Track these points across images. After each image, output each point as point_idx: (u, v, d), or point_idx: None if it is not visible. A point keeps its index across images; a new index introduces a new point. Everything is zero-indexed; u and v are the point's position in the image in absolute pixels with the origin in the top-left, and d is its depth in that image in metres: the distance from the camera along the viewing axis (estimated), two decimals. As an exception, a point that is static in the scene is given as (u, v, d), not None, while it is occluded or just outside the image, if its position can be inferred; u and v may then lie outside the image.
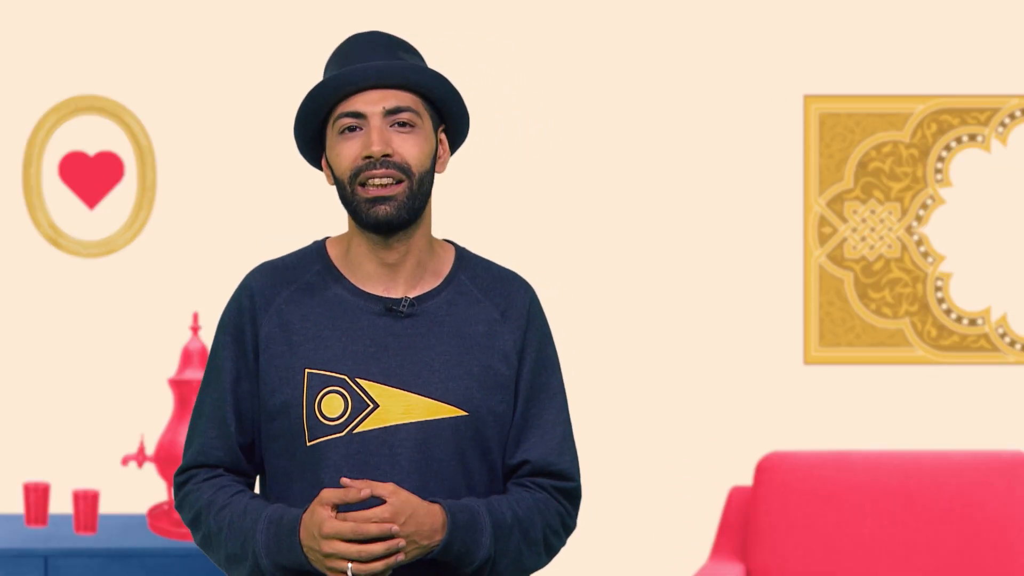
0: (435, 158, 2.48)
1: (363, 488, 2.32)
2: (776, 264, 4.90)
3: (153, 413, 4.78)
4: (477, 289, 2.54)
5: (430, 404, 2.47)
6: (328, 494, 2.31)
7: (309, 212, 4.84)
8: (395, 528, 2.31)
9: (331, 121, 2.46)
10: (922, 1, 4.92)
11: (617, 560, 4.90)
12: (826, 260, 4.93)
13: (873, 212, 4.93)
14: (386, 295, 2.49)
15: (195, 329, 4.43)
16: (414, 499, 2.35)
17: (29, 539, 4.35)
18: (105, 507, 4.75)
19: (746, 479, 4.77)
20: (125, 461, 4.40)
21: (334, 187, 2.54)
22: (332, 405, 2.48)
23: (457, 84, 2.63)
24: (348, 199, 2.46)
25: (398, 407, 2.46)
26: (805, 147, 4.91)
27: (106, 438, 4.84)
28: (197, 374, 4.41)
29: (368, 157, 2.42)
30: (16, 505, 4.82)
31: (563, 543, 2.55)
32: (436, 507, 2.37)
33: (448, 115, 2.49)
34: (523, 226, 4.88)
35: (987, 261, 4.91)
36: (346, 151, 2.45)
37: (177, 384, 4.38)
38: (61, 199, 4.95)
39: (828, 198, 4.93)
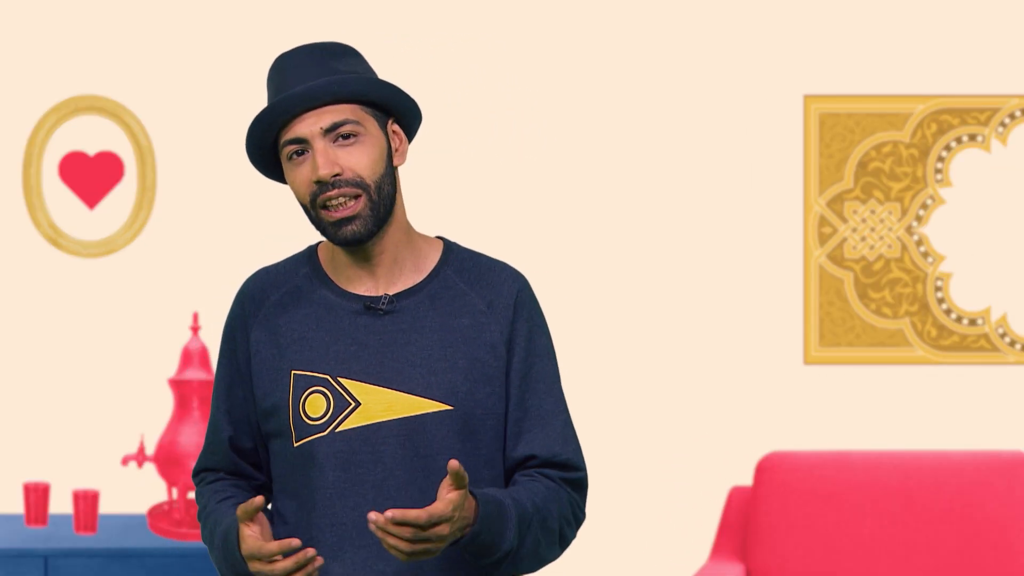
0: (390, 155, 2.48)
1: (453, 469, 2.36)
2: (776, 264, 4.95)
3: (153, 413, 4.80)
4: (463, 282, 2.53)
5: (412, 400, 2.47)
6: (239, 511, 2.40)
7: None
8: (295, 543, 2.40)
9: (279, 148, 2.50)
10: (922, 1, 4.93)
11: (617, 560, 4.90)
12: (826, 260, 4.96)
13: (873, 212, 4.96)
14: (367, 294, 2.50)
15: (195, 329, 4.44)
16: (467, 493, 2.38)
17: (29, 539, 4.38)
18: (105, 507, 4.77)
19: (746, 479, 4.78)
20: (125, 461, 4.42)
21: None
22: (315, 405, 2.50)
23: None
24: (315, 223, 2.49)
25: (380, 404, 2.46)
26: (805, 147, 4.94)
27: (106, 438, 4.87)
28: (197, 374, 4.45)
29: (319, 182, 2.44)
30: (16, 505, 4.84)
31: (575, 534, 2.56)
32: (471, 498, 2.39)
33: (391, 108, 2.49)
34: (521, 228, 4.89)
35: (987, 261, 4.96)
36: (299, 177, 2.47)
37: (177, 384, 4.41)
38: (61, 199, 4.97)
39: (828, 198, 4.96)
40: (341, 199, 2.44)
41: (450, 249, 2.56)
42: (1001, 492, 4.61)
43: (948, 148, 4.99)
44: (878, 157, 5.01)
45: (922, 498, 4.59)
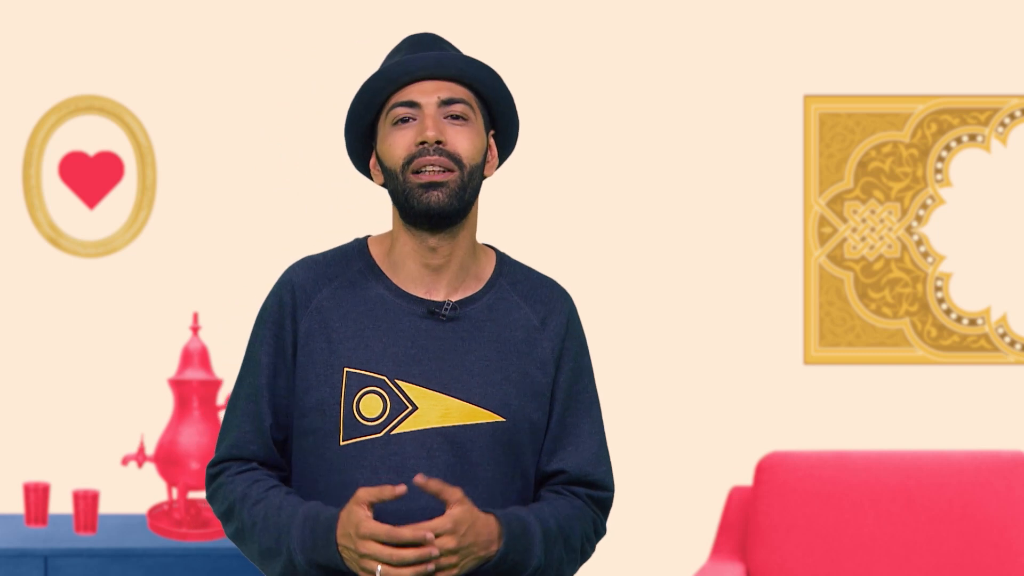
0: (485, 156, 2.49)
1: (420, 484, 2.33)
2: (776, 264, 4.96)
3: (153, 413, 4.80)
4: (517, 295, 2.54)
5: (469, 409, 2.46)
6: (363, 493, 2.32)
7: (309, 213, 4.86)
8: (429, 536, 2.31)
9: (384, 113, 2.46)
10: (922, 1, 4.91)
11: (617, 560, 4.90)
12: (826, 260, 4.95)
13: (873, 212, 4.96)
14: (428, 297, 2.48)
15: (195, 329, 4.46)
16: (474, 510, 2.36)
17: (29, 539, 4.39)
18: (105, 507, 4.78)
19: (746, 479, 4.79)
20: (125, 461, 4.43)
21: (378, 187, 2.55)
22: (371, 405, 2.46)
23: None
24: (400, 188, 2.46)
25: (436, 410, 2.45)
26: (805, 147, 4.94)
27: (106, 438, 4.88)
28: (197, 374, 4.45)
29: (422, 143, 2.43)
30: (16, 505, 4.85)
31: (594, 550, 2.57)
32: (491, 518, 2.39)
33: (498, 115, 2.50)
34: (516, 226, 4.89)
35: (987, 261, 4.97)
36: (400, 140, 2.46)
37: (177, 384, 4.43)
38: (61, 199, 4.97)
39: (828, 198, 4.95)
40: (437, 167, 2.44)
41: (502, 260, 2.57)
42: (1001, 492, 4.61)
43: (948, 148, 4.98)
44: (878, 157, 4.99)
45: (922, 498, 4.59)
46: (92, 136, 4.98)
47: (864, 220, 4.97)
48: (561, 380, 2.54)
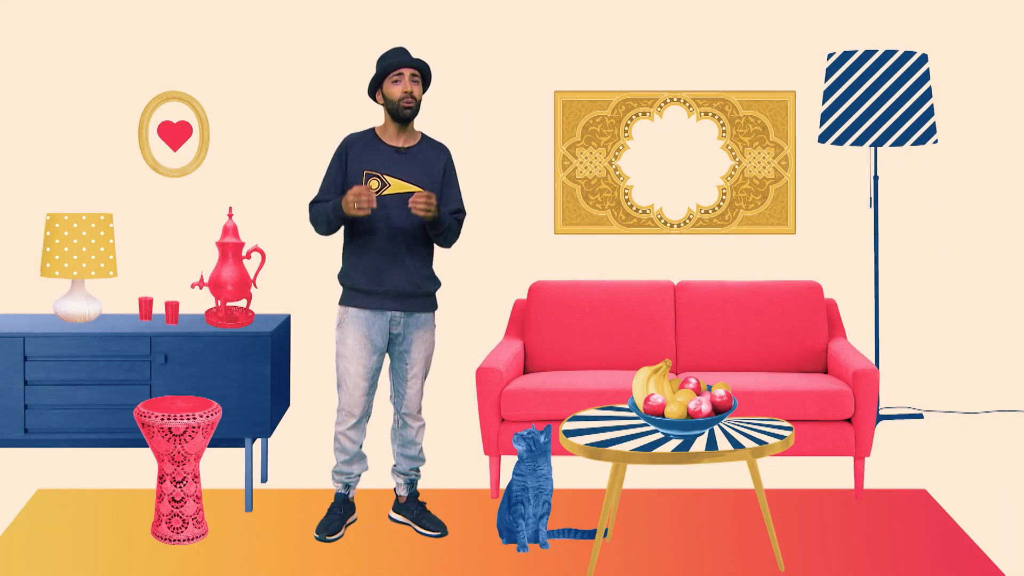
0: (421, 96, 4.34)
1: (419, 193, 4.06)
2: (541, 180, 6.35)
3: (207, 260, 6.22)
4: (429, 146, 4.44)
5: (411, 186, 4.25)
6: (351, 190, 4.17)
7: (290, 167, 6.20)
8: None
9: (389, 75, 4.34)
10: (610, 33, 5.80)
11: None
12: (566, 179, 6.34)
13: (591, 153, 6.26)
14: (396, 145, 4.35)
15: (230, 215, 5.33)
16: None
17: (141, 327, 5.21)
18: (183, 310, 6.12)
19: (523, 295, 6.00)
20: (192, 286, 5.29)
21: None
22: (372, 184, 4.20)
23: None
24: (393, 108, 4.33)
25: (400, 187, 4.14)
26: (555, 118, 6.17)
27: (182, 274, 6.15)
28: (230, 239, 5.26)
29: (407, 93, 4.28)
30: (135, 309, 6.02)
31: (459, 234, 4.41)
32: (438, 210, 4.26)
33: (425, 80, 4.43)
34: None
35: (652, 178, 6.33)
36: (396, 88, 4.39)
37: (220, 244, 5.28)
38: (158, 146, 6.35)
39: (567, 145, 6.29)
40: (411, 104, 4.30)
41: (423, 134, 4.39)
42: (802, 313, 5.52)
43: (631, 119, 6.18)
44: (593, 124, 6.22)
45: (620, 304, 5.52)
46: (175, 112, 6.30)
47: (587, 157, 6.28)
48: (446, 176, 4.39)
